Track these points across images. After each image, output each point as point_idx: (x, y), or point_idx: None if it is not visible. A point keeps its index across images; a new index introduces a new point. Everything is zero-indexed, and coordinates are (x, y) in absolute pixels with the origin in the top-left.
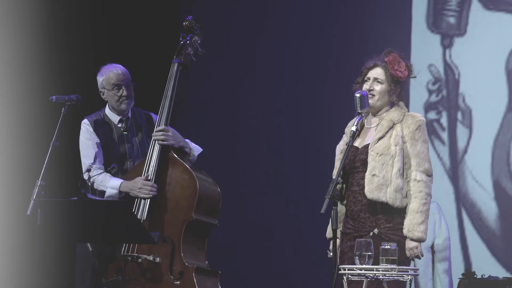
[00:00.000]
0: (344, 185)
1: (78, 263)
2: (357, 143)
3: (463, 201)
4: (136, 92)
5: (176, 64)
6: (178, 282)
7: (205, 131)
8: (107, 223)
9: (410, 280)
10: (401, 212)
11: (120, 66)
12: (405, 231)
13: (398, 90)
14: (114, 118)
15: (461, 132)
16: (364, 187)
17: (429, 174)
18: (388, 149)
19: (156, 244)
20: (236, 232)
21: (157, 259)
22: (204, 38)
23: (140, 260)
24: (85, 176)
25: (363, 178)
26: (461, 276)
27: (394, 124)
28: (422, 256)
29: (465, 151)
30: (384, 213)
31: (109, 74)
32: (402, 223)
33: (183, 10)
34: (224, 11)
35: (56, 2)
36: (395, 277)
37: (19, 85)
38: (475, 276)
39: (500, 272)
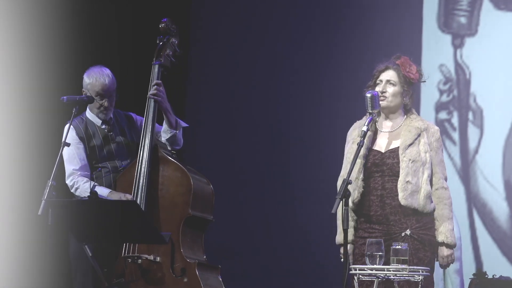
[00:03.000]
0: (363, 190)
1: (76, 266)
2: (377, 146)
3: (474, 201)
4: (133, 95)
5: (157, 66)
6: (181, 278)
7: (208, 128)
8: (118, 223)
9: (421, 280)
10: (428, 213)
11: (108, 73)
12: (442, 238)
13: (411, 92)
14: (97, 120)
15: (472, 132)
16: (391, 190)
17: (446, 181)
18: (419, 156)
19: (167, 244)
20: (241, 231)
21: (158, 259)
22: (210, 39)
23: (140, 260)
24: (68, 182)
25: (389, 181)
26: (472, 276)
27: (421, 131)
28: (453, 262)
29: (476, 151)
30: (414, 214)
31: (95, 82)
32: (430, 223)
33: (194, 12)
34: (233, 14)
35: (67, 4)
36: (406, 277)
37: (30, 85)
38: (486, 276)
39: (511, 272)
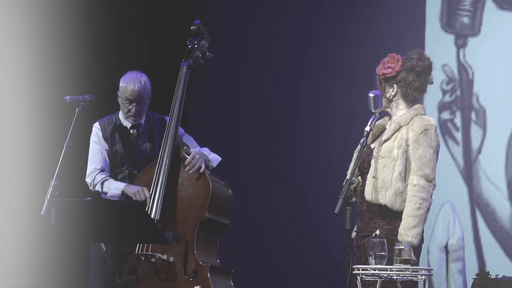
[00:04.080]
0: (354, 185)
1: (92, 263)
2: (373, 144)
3: (477, 201)
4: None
5: (185, 67)
6: (193, 280)
7: (215, 130)
8: (121, 223)
9: (424, 280)
10: (401, 213)
11: (142, 80)
12: (398, 236)
13: (394, 86)
14: (127, 123)
15: (475, 132)
16: None
17: (429, 179)
18: (390, 152)
19: (170, 244)
20: (247, 232)
21: (171, 259)
22: (215, 39)
23: (153, 259)
24: (88, 180)
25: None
26: (475, 276)
27: (400, 127)
28: (414, 261)
29: (479, 151)
30: (386, 215)
31: (127, 87)
32: None
33: (197, 12)
34: (235, 12)
35: (70, 3)
36: (408, 277)
37: (33, 85)
38: (489, 276)
39: None
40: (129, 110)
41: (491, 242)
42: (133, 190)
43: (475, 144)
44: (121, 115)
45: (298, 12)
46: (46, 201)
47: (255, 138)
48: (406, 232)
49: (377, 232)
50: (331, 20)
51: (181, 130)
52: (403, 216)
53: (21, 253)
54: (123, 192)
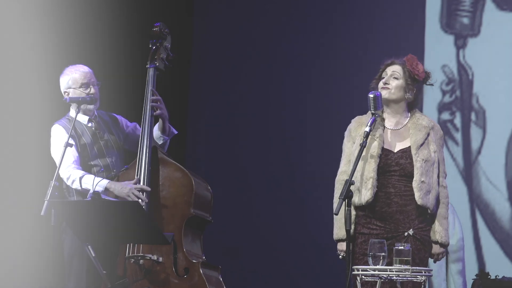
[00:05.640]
0: (377, 189)
1: (70, 267)
2: (387, 145)
3: (476, 201)
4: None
5: (152, 69)
6: (185, 278)
7: (211, 128)
8: (120, 223)
9: (424, 281)
10: (428, 214)
11: (85, 66)
12: (437, 237)
13: (415, 90)
14: (83, 119)
15: (475, 132)
16: (400, 189)
17: (446, 178)
18: (430, 156)
19: (169, 244)
20: (247, 232)
21: (160, 259)
22: (215, 38)
23: (142, 261)
24: (64, 174)
25: (399, 181)
26: (475, 277)
27: (429, 130)
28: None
29: (479, 151)
30: (419, 215)
31: (75, 74)
32: (430, 223)
33: (197, 13)
34: (235, 13)
35: (70, 3)
36: (409, 278)
37: (32, 85)
38: (489, 277)
39: None
40: (89, 93)
41: (491, 242)
42: (123, 190)
43: (475, 144)
44: (73, 113)
45: (298, 13)
46: (46, 201)
47: (252, 138)
48: (446, 234)
49: (410, 231)
50: (331, 21)
51: (132, 123)
52: (440, 218)
53: (21, 254)
54: (106, 188)
